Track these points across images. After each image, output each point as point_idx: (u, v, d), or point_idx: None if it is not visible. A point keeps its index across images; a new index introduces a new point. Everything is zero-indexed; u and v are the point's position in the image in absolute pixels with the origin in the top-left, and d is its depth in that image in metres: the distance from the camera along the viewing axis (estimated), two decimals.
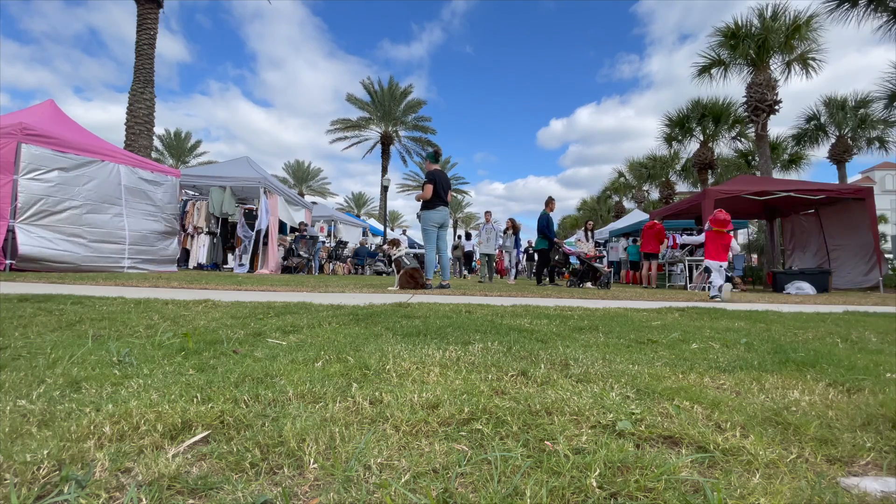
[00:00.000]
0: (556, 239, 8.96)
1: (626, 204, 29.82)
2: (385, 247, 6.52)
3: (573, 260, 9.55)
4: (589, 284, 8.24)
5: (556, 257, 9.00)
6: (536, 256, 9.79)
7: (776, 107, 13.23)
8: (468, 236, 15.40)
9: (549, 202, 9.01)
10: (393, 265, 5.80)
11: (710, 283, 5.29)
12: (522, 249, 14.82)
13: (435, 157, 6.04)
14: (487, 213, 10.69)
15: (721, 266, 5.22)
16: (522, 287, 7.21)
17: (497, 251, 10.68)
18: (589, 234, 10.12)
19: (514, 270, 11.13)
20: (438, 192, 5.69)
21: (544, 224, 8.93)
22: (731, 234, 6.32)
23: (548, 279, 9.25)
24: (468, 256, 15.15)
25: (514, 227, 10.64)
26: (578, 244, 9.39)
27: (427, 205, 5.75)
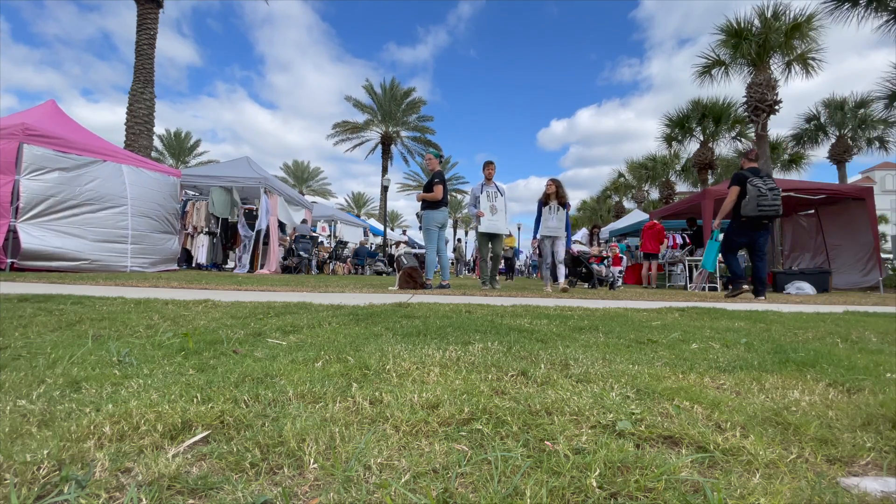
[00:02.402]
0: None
1: (626, 204, 29.82)
2: (393, 247, 6.53)
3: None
4: (586, 285, 8.23)
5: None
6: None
7: (776, 107, 13.22)
8: None
9: None
10: (395, 264, 5.78)
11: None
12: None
13: (440, 158, 6.06)
14: (489, 165, 6.16)
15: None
16: (521, 287, 7.20)
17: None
18: (595, 237, 10.00)
19: (563, 268, 6.25)
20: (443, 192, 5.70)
21: None
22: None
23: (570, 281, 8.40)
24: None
25: (559, 198, 6.09)
26: (592, 249, 8.93)
27: (430, 205, 5.69)
